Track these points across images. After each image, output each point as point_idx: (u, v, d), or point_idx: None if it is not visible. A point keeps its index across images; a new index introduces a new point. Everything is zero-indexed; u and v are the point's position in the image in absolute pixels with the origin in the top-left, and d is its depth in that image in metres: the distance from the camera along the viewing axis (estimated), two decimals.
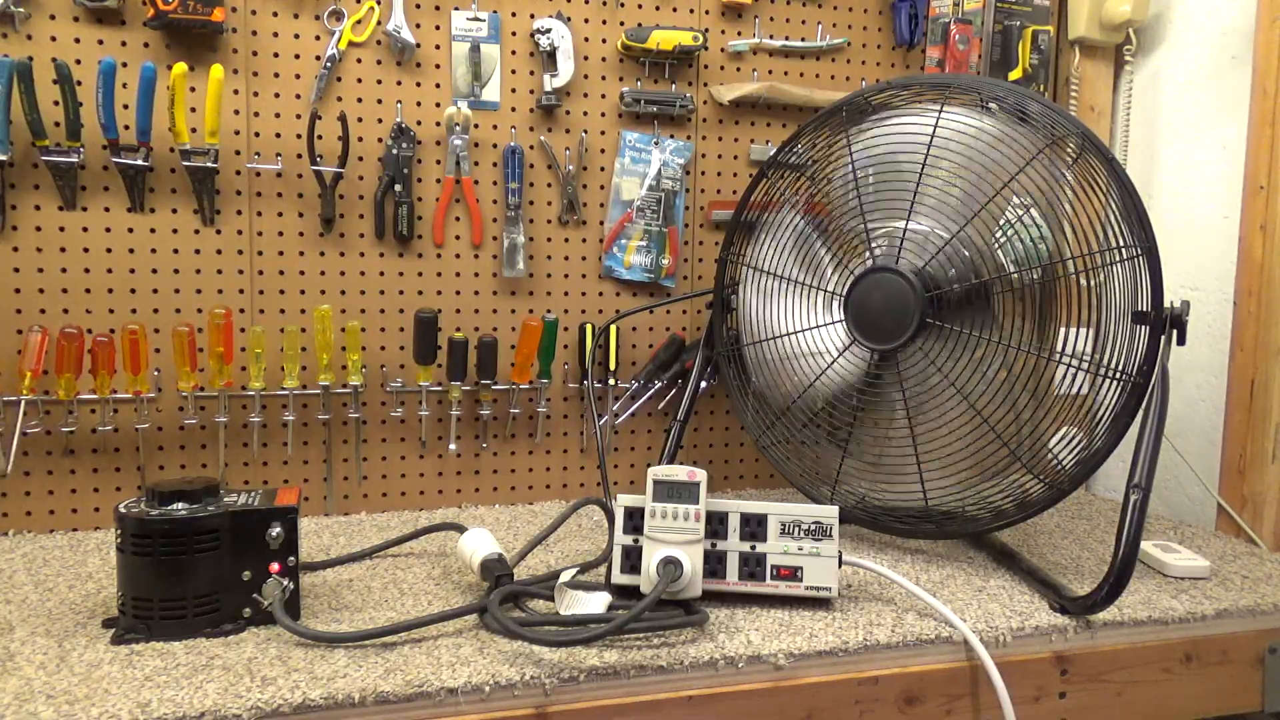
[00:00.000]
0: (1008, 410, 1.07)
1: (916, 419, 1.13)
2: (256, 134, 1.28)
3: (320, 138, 1.28)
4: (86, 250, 1.22)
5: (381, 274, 1.34)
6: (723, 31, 1.46)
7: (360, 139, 1.31)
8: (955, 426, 1.10)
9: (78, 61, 1.19)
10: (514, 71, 1.38)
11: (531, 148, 1.39)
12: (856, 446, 1.19)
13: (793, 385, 1.24)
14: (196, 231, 1.26)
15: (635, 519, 0.99)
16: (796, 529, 0.99)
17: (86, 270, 1.23)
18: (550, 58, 1.37)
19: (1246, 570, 1.15)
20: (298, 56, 1.29)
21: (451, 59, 1.35)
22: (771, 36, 1.48)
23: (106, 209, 1.23)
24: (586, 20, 1.40)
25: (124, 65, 1.19)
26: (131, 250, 1.24)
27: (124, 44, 1.22)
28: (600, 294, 1.45)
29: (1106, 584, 0.96)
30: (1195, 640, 1.02)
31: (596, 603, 0.92)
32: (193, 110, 1.22)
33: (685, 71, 1.45)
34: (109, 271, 1.23)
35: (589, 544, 1.21)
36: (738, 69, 1.48)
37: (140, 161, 1.21)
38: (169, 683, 0.78)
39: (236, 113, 1.27)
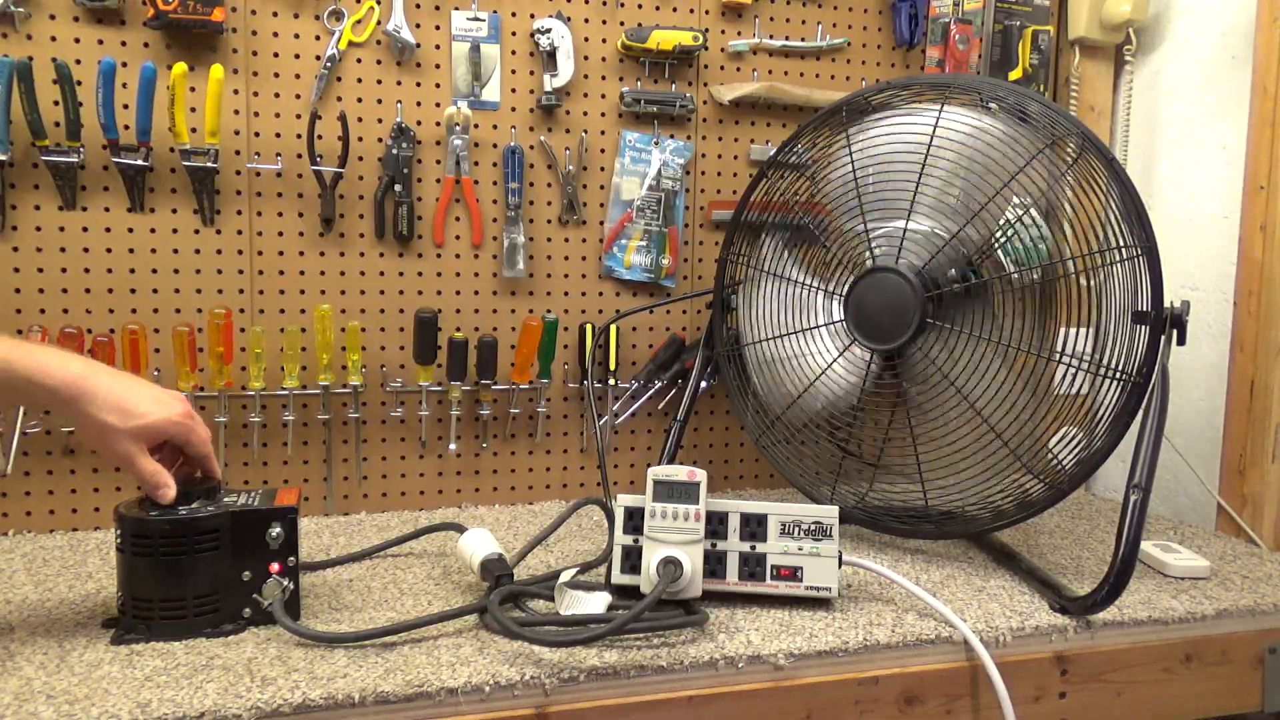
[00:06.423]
0: (1008, 410, 1.07)
1: (916, 419, 1.13)
2: (256, 134, 1.28)
3: (320, 138, 1.28)
4: (86, 250, 1.22)
5: (381, 274, 1.34)
6: (723, 31, 1.46)
7: (360, 139, 1.31)
8: (955, 426, 1.10)
9: (78, 61, 1.19)
10: (514, 71, 1.38)
11: (531, 148, 1.39)
12: (856, 446, 1.19)
13: (793, 385, 1.24)
14: (196, 231, 1.26)
15: (635, 519, 0.99)
16: (796, 529, 0.99)
17: (86, 270, 1.23)
18: (550, 58, 1.37)
19: (1246, 570, 1.15)
20: (298, 56, 1.29)
21: (451, 59, 1.35)
22: (771, 36, 1.48)
23: (106, 209, 1.23)
24: (586, 20, 1.40)
25: (124, 65, 1.19)
26: (131, 250, 1.24)
27: (124, 44, 1.22)
28: (600, 294, 1.45)
29: (1106, 584, 0.96)
30: (1195, 640, 1.02)
31: (596, 603, 0.92)
32: (193, 110, 1.22)
33: (685, 71, 1.45)
34: (109, 271, 1.23)
35: (589, 544, 1.21)
36: (738, 69, 1.48)
37: (140, 161, 1.21)
38: (169, 683, 0.78)
39: (236, 113, 1.27)
